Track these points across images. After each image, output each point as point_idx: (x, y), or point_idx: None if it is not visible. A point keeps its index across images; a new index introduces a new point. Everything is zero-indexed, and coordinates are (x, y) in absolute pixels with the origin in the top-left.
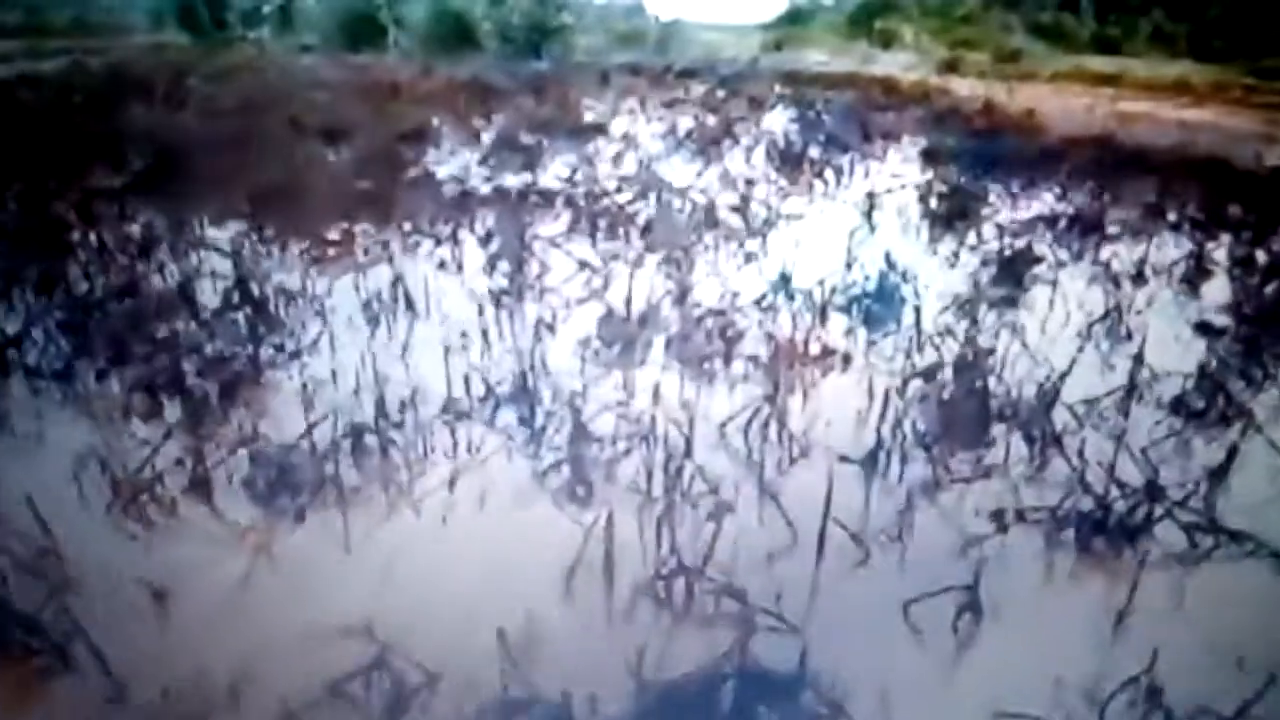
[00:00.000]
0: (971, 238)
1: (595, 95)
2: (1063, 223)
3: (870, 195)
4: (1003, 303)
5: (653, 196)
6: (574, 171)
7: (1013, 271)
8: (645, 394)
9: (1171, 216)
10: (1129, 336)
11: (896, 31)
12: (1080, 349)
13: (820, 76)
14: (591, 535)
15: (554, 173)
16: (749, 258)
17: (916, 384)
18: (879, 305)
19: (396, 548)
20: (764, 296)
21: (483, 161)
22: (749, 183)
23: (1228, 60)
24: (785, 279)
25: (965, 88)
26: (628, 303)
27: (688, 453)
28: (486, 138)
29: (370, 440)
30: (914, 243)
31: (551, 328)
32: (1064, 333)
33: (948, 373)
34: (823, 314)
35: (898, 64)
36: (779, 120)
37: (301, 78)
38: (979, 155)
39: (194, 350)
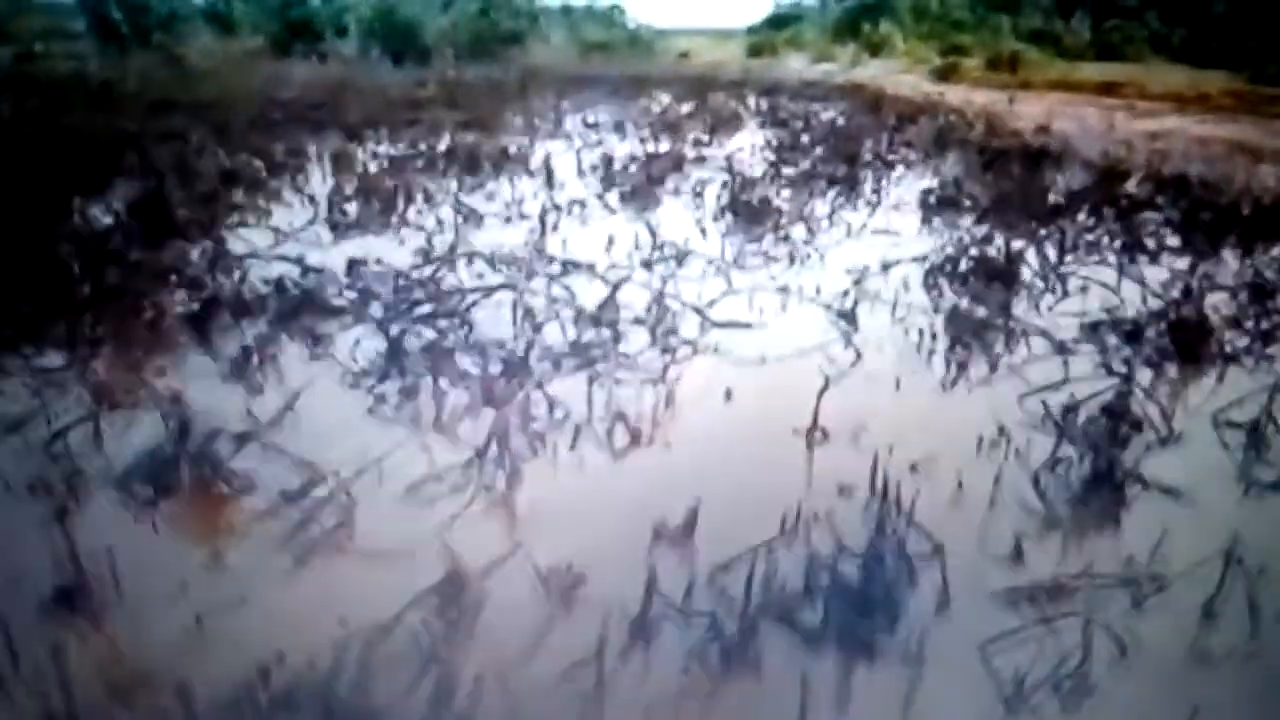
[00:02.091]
0: (1010, 359)
1: (534, 112)
2: (1149, 333)
3: (852, 282)
4: (1110, 590)
5: (520, 297)
6: (430, 240)
7: (1103, 465)
8: None
9: None
10: None
11: (886, 37)
12: None
13: (802, 86)
14: None
15: (407, 243)
16: (635, 439)
17: None
18: (865, 624)
19: None
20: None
21: (328, 217)
22: (680, 257)
23: (1229, 66)
24: (687, 526)
25: (961, 97)
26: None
27: None
28: (359, 174)
29: None
30: (920, 378)
31: None
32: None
33: None
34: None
35: (887, 71)
36: (746, 143)
37: (176, 90)
38: (996, 199)
39: None
